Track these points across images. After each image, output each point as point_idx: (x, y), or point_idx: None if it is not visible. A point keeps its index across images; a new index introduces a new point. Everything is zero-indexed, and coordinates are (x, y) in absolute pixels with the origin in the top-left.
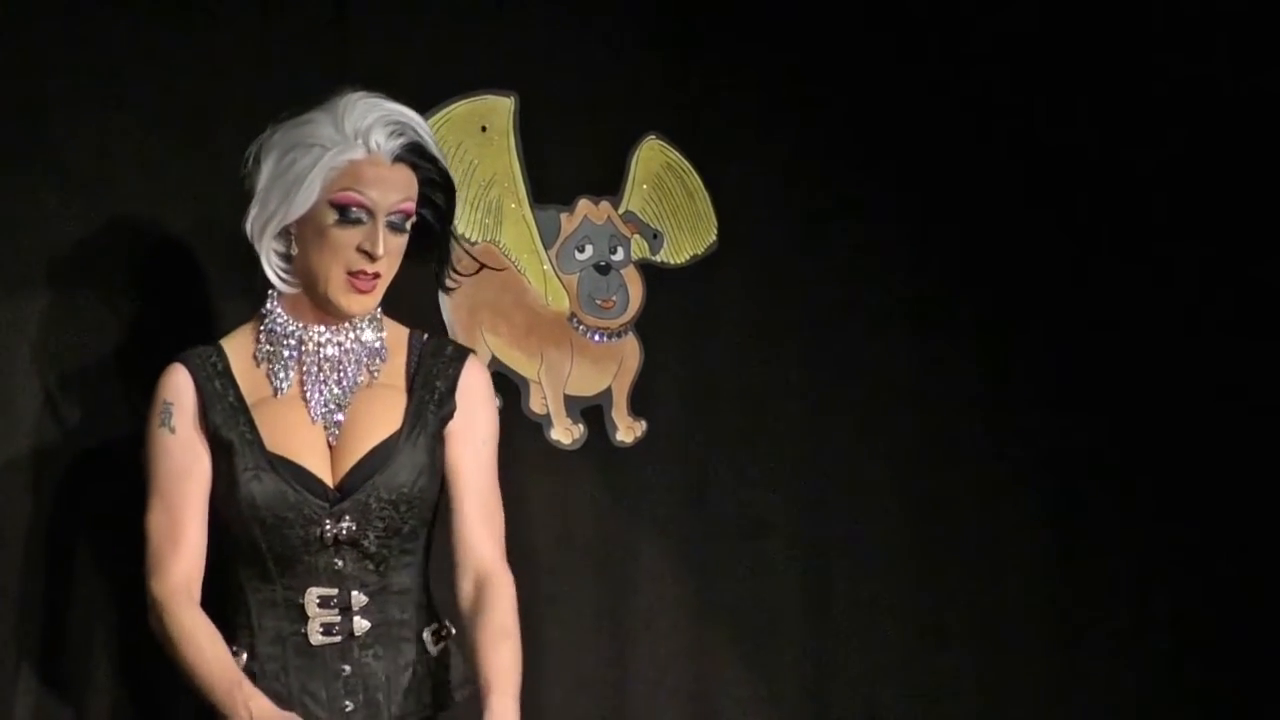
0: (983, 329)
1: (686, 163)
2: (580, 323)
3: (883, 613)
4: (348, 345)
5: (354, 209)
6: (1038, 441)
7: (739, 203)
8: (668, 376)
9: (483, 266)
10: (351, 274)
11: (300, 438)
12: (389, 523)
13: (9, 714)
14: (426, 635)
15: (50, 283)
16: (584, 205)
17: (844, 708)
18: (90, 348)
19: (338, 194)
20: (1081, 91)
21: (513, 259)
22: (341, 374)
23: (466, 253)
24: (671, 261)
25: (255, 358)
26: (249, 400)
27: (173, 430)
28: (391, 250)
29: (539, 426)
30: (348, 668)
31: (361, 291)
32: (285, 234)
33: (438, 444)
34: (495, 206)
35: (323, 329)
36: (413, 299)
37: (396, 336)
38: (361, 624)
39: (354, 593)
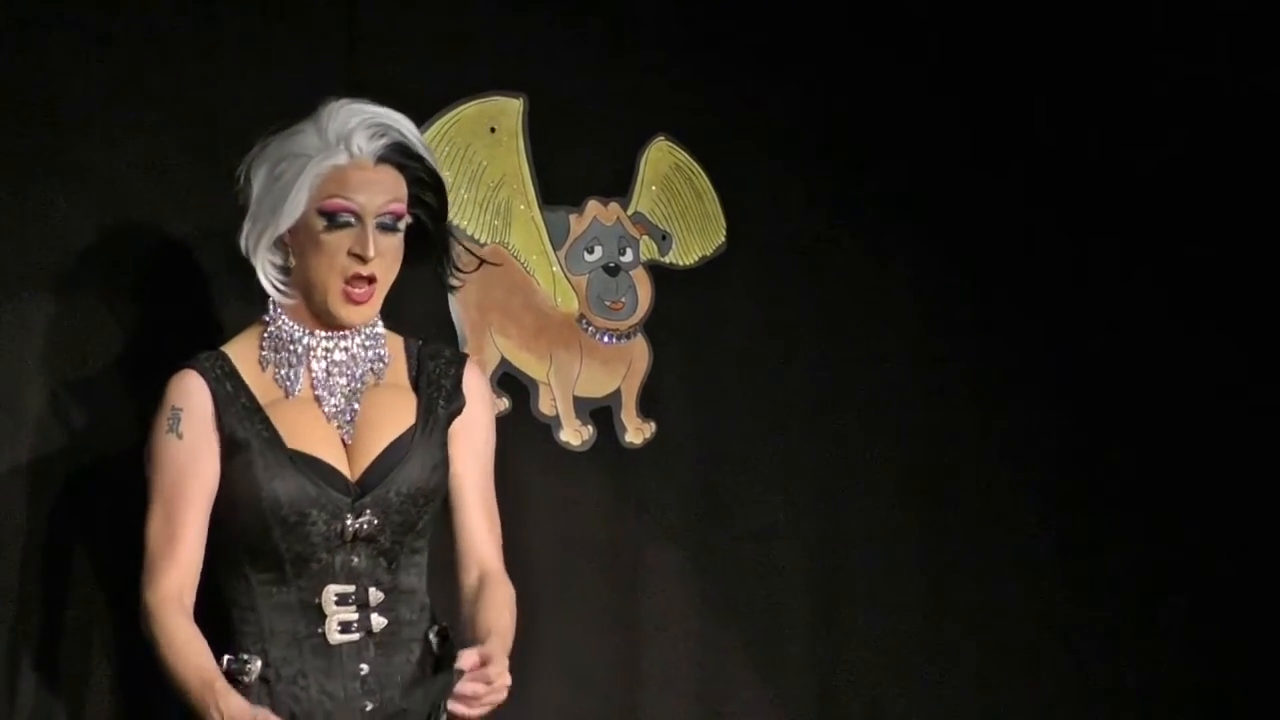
0: (992, 330)
1: (695, 164)
2: (589, 324)
3: (891, 615)
4: (354, 349)
5: (341, 214)
6: (1046, 443)
7: (748, 204)
8: (676, 378)
9: (483, 262)
10: (347, 282)
11: (317, 435)
12: (406, 517)
13: (9, 713)
14: (431, 637)
15: (57, 285)
16: (593, 206)
17: (852, 709)
18: (96, 350)
19: (324, 201)
20: (1083, 92)
21: (521, 260)
22: (351, 376)
23: (466, 249)
24: (680, 263)
25: (261, 363)
26: (261, 401)
27: (180, 436)
28: (384, 251)
29: (548, 428)
30: (365, 667)
31: (358, 302)
32: (281, 246)
33: (447, 440)
34: (504, 208)
35: (327, 333)
36: (421, 303)
37: (393, 342)
38: (379, 621)
39: (371, 589)
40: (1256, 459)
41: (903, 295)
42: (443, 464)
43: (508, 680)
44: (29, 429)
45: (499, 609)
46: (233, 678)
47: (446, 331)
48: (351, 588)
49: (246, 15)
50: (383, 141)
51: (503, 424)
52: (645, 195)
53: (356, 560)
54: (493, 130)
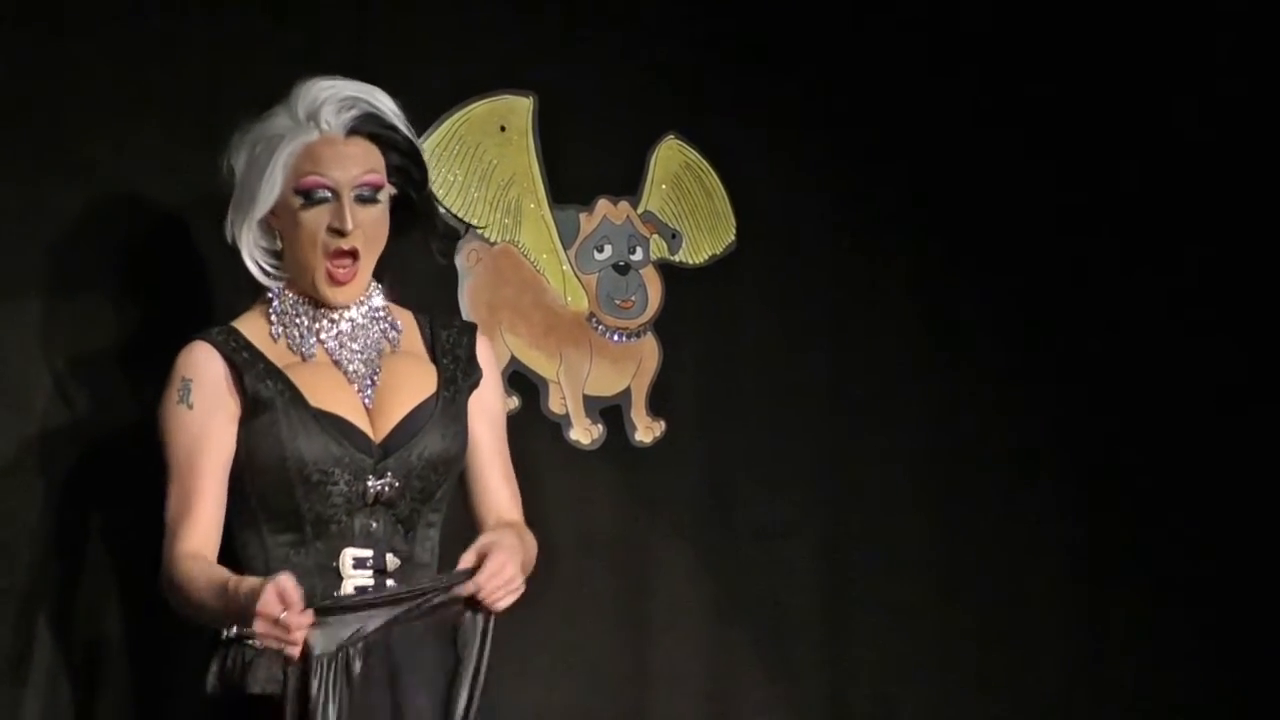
0: (1004, 328)
1: (705, 162)
2: (599, 323)
3: (901, 614)
4: (358, 320)
5: (317, 190)
6: (1060, 442)
7: (758, 202)
8: (686, 376)
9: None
10: (330, 260)
11: (340, 396)
12: (425, 484)
13: (15, 704)
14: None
15: (64, 284)
16: (603, 205)
17: (862, 709)
18: (105, 349)
19: (299, 180)
20: (1086, 92)
21: (531, 259)
22: (364, 343)
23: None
24: (690, 261)
25: (272, 335)
26: (280, 365)
27: (190, 406)
28: (364, 223)
29: (558, 427)
30: None
31: (341, 281)
32: (269, 229)
33: (466, 411)
34: (514, 206)
35: (327, 309)
36: (432, 302)
37: (402, 313)
38: (394, 588)
39: (388, 555)
40: (1266, 460)
41: (912, 295)
42: (463, 433)
43: (512, 570)
44: (36, 426)
45: (514, 528)
46: (244, 640)
47: None
48: (369, 552)
49: (257, 12)
50: (352, 113)
51: (513, 422)
52: (655, 194)
53: (375, 525)
54: (503, 129)
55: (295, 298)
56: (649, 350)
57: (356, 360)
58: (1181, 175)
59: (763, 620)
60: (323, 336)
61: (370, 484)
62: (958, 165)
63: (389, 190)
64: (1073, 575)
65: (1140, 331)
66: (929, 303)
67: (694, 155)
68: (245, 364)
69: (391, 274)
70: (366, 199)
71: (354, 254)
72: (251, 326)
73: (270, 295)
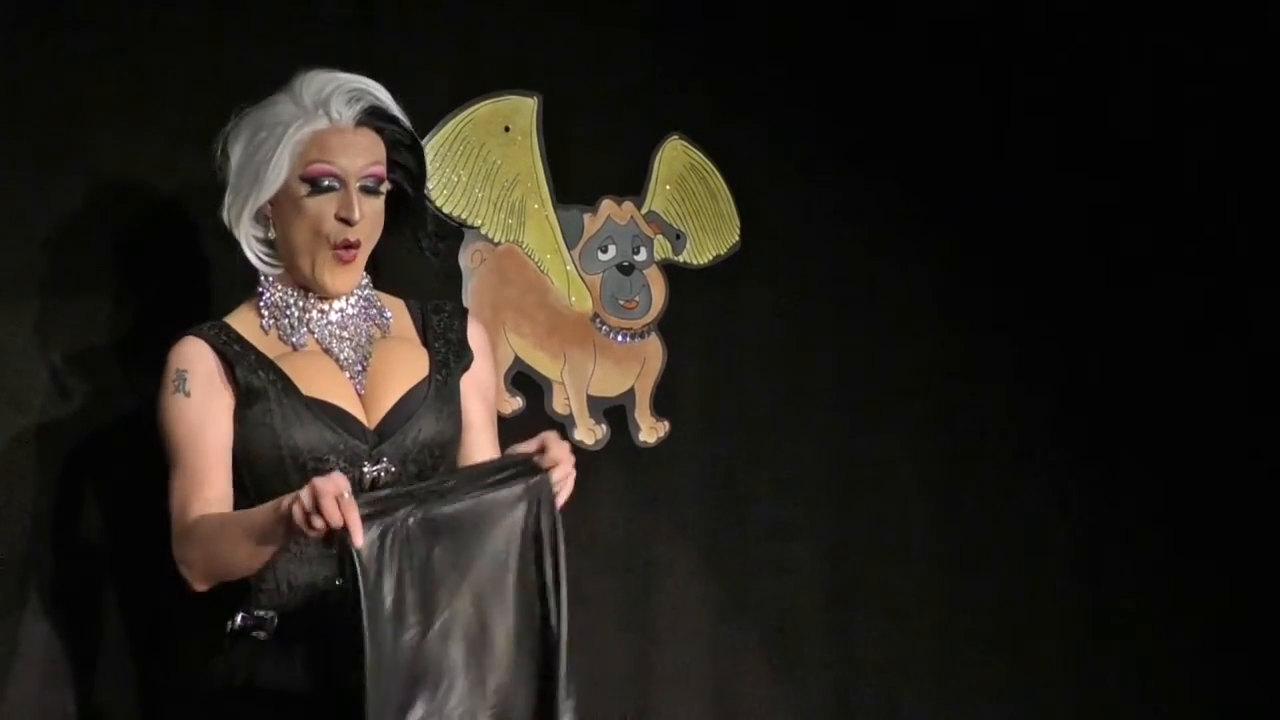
0: (1008, 329)
1: (709, 163)
2: (603, 323)
3: (906, 614)
4: (348, 309)
5: (325, 178)
6: (1065, 442)
7: (762, 203)
8: (690, 377)
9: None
10: (335, 249)
11: (332, 384)
12: (421, 467)
13: (16, 704)
14: None
15: (70, 282)
16: (607, 205)
17: (867, 709)
18: (108, 348)
19: (307, 167)
20: (1089, 93)
21: (536, 259)
22: (355, 329)
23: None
24: (694, 262)
25: (263, 328)
26: (271, 356)
27: (188, 394)
28: (368, 214)
29: (562, 427)
30: None
31: (345, 262)
32: (263, 218)
33: (458, 393)
34: (518, 207)
35: (318, 299)
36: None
37: (391, 300)
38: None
39: None
40: (1268, 460)
41: (917, 294)
42: (456, 415)
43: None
44: (38, 426)
45: None
46: (247, 632)
47: None
48: None
49: (263, 12)
50: (360, 105)
51: (516, 423)
52: (659, 194)
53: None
54: (507, 129)
55: (285, 289)
56: (653, 351)
57: (347, 347)
58: (1182, 176)
59: (767, 620)
60: (313, 326)
61: (366, 469)
62: (962, 166)
63: (387, 184)
64: (1080, 575)
65: (1143, 332)
66: (934, 302)
67: (698, 156)
68: (236, 356)
69: (393, 273)
70: (370, 190)
71: (356, 244)
72: (242, 320)
73: (260, 289)
